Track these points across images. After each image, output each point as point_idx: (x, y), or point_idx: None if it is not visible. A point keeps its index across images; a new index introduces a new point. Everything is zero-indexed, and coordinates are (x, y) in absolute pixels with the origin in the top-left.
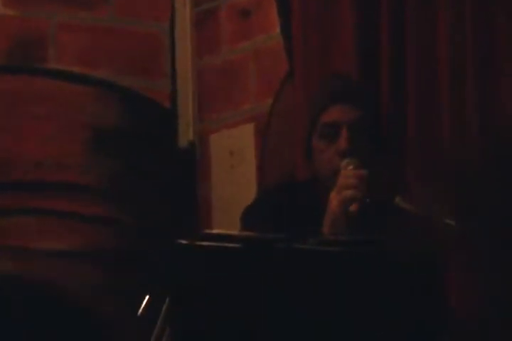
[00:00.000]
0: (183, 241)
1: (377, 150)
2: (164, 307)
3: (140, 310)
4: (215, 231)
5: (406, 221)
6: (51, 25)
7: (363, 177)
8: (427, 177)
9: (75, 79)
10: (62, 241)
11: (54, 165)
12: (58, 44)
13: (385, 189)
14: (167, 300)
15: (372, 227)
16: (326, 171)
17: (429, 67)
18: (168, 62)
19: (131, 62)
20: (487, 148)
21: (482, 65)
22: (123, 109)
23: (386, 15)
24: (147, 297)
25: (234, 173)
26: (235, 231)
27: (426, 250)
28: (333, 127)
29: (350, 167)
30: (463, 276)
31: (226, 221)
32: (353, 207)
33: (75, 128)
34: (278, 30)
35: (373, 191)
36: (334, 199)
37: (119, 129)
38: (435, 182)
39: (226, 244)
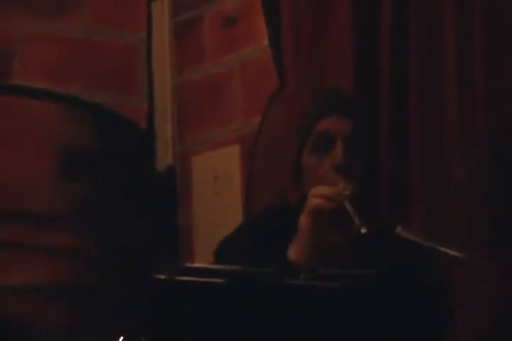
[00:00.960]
0: (162, 276)
1: (373, 170)
2: None
3: None
4: (196, 264)
5: (409, 252)
6: (16, 36)
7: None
8: (432, 204)
9: (42, 95)
10: (27, 275)
11: (18, 192)
12: (24, 57)
13: (384, 218)
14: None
15: (371, 260)
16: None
17: (434, 80)
18: (145, 76)
19: (104, 77)
20: (496, 169)
21: (492, 76)
22: (95, 129)
23: (386, 24)
24: (121, 338)
25: (218, 200)
26: (218, 265)
27: (430, 283)
28: (327, 138)
29: (347, 192)
30: (471, 310)
31: (209, 253)
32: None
33: (42, 151)
34: (266, 41)
35: (372, 221)
36: (303, 220)
37: (91, 152)
38: (441, 209)
39: (209, 279)
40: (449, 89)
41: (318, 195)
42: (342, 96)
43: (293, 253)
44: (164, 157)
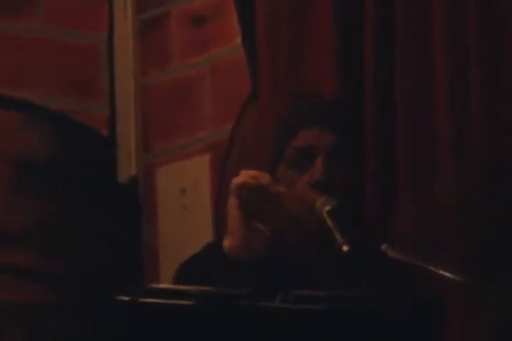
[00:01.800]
0: (125, 298)
1: (358, 183)
2: None
3: None
4: (162, 285)
5: (395, 272)
6: None
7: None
8: (422, 220)
9: None
10: None
11: None
12: None
13: (369, 235)
14: None
15: (354, 280)
16: (295, 209)
17: (424, 83)
18: (107, 80)
19: (62, 81)
20: (491, 184)
21: (488, 78)
22: (52, 137)
23: (371, 23)
24: None
25: (186, 214)
26: (186, 286)
27: (419, 305)
28: (307, 154)
29: (327, 208)
30: (464, 332)
31: None
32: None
33: None
34: (239, 40)
35: (355, 238)
36: (229, 202)
37: (47, 163)
38: (432, 226)
39: (176, 301)
40: (440, 93)
41: (241, 175)
42: (322, 105)
43: (226, 244)
44: (127, 167)
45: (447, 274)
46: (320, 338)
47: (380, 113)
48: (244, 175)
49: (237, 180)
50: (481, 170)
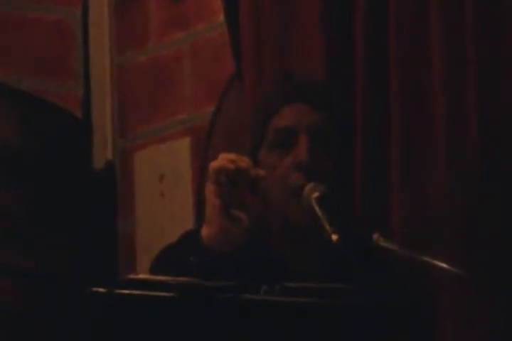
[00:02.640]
0: (100, 289)
1: (346, 169)
2: None
3: None
4: (140, 276)
5: (387, 263)
6: None
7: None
8: (416, 206)
9: None
10: None
11: None
12: None
13: (358, 223)
14: None
15: (344, 271)
16: (278, 193)
17: (417, 63)
18: (80, 58)
19: (31, 60)
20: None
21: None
22: (20, 120)
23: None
24: None
25: (164, 202)
26: (165, 277)
27: (412, 298)
28: (289, 133)
29: (316, 194)
30: (457, 325)
31: None
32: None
33: None
34: (221, 17)
35: (344, 227)
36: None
37: (15, 148)
38: (425, 216)
39: (155, 293)
40: (435, 73)
41: (219, 159)
42: (308, 83)
43: (203, 233)
44: (102, 152)
45: (442, 265)
46: (306, 332)
47: (371, 92)
48: (223, 159)
49: (214, 164)
50: (476, 157)
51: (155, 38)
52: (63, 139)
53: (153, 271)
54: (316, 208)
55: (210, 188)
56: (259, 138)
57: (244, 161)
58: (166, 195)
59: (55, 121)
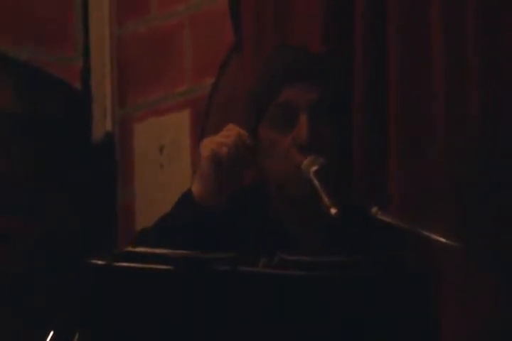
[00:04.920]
0: (99, 262)
1: (345, 143)
2: None
3: None
4: (139, 248)
5: (386, 236)
6: None
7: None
8: (415, 181)
9: None
10: None
11: None
12: None
13: (357, 197)
14: (76, 336)
15: (342, 245)
16: (279, 171)
17: (418, 35)
18: (80, 28)
19: (30, 29)
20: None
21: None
22: (19, 90)
23: None
24: (51, 333)
25: (164, 173)
26: (164, 249)
27: (411, 271)
28: (289, 110)
29: (314, 168)
30: (457, 298)
31: None
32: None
33: None
34: None
35: (343, 200)
36: (204, 147)
37: (13, 117)
38: (425, 188)
39: (153, 266)
40: (435, 44)
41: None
42: (307, 58)
43: (195, 189)
44: (102, 123)
45: (442, 239)
46: (304, 305)
47: (370, 67)
48: (211, 143)
49: (205, 153)
50: (474, 130)
51: (155, 8)
52: (61, 109)
53: (148, 239)
54: (315, 181)
55: (205, 145)
56: (259, 113)
57: (229, 135)
58: (166, 166)
59: (54, 91)
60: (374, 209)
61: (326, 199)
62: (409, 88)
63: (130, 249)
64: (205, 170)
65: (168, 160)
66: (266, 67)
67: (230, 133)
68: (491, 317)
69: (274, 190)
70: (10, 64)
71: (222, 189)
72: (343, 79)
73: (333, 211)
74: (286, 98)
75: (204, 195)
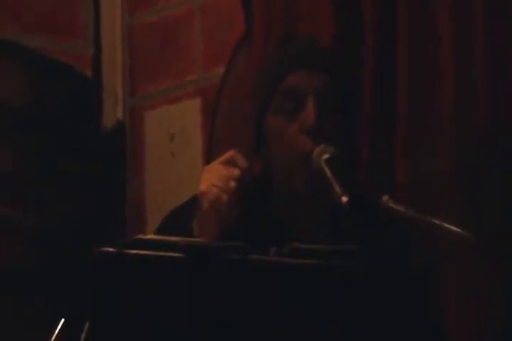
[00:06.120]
0: (109, 249)
1: (353, 131)
2: (83, 335)
3: (52, 339)
4: (149, 236)
5: (396, 225)
6: None
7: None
8: (424, 170)
9: None
10: None
11: None
12: None
13: (367, 186)
14: (87, 324)
15: (353, 234)
16: (286, 158)
17: (426, 29)
18: (91, 17)
19: (41, 18)
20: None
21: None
22: (29, 78)
23: None
24: (61, 321)
25: (175, 162)
26: (175, 237)
27: (420, 261)
28: (295, 95)
29: (326, 156)
30: (463, 288)
31: None
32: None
33: None
34: None
35: (354, 189)
36: (205, 180)
37: (23, 106)
38: (435, 176)
39: (164, 253)
40: (444, 41)
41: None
42: (314, 47)
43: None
44: (112, 111)
45: (453, 228)
46: (315, 294)
47: (379, 56)
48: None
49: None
50: (484, 120)
51: None
52: (72, 97)
53: (159, 232)
54: (326, 170)
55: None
56: (266, 101)
57: (230, 175)
58: (176, 155)
59: (65, 80)
60: (385, 198)
61: (337, 188)
62: (418, 76)
63: (140, 236)
64: (205, 217)
65: (178, 149)
66: (271, 56)
67: (230, 172)
68: (491, 317)
69: (277, 188)
70: (21, 52)
71: (220, 227)
72: (350, 68)
73: (344, 199)
74: (290, 83)
75: (204, 235)
